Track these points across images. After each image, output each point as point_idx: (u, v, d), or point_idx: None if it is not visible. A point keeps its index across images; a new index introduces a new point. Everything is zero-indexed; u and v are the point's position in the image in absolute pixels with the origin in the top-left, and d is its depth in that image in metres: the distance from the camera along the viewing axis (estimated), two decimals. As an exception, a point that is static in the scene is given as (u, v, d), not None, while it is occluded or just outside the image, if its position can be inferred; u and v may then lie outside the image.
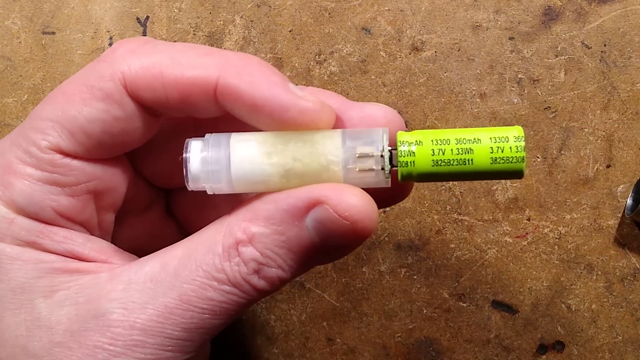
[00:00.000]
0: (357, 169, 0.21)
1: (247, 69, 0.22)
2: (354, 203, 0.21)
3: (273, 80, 0.21)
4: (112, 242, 0.25)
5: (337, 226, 0.21)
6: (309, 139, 0.21)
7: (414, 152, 0.21)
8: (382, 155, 0.21)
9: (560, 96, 0.32)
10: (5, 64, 0.34)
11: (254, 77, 0.21)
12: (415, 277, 0.33)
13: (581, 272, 0.32)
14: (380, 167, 0.21)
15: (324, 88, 0.33)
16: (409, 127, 0.33)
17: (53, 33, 0.34)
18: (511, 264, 0.32)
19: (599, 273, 0.32)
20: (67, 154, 0.22)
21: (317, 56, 0.33)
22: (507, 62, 0.32)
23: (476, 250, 0.32)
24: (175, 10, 0.33)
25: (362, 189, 0.21)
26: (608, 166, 0.32)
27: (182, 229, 0.28)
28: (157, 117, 0.24)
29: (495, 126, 0.31)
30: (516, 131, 0.21)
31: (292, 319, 0.33)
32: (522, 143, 0.21)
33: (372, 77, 0.33)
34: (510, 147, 0.21)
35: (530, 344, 0.32)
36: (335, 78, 0.33)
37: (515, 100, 0.32)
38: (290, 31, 0.33)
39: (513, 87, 0.32)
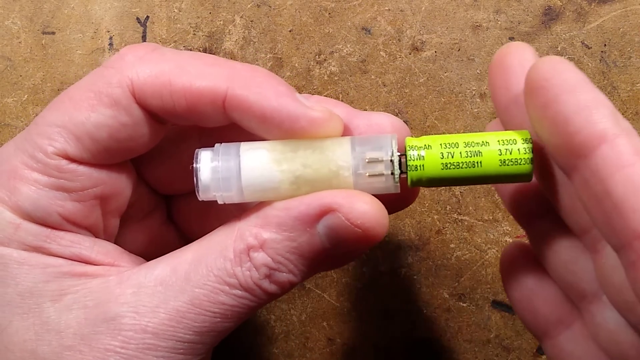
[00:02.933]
0: (367, 174, 0.21)
1: (254, 80, 0.22)
2: (366, 210, 0.21)
3: (281, 91, 0.21)
4: None
5: (349, 233, 0.21)
6: (318, 145, 0.22)
7: (423, 157, 0.21)
8: (391, 160, 0.21)
9: (560, 96, 0.32)
10: (5, 64, 0.34)
11: (262, 88, 0.22)
12: (415, 277, 0.33)
13: (581, 272, 0.32)
14: (390, 172, 0.21)
15: (324, 88, 0.33)
16: (409, 127, 0.33)
17: (53, 33, 0.34)
18: (511, 264, 0.32)
19: (599, 273, 0.32)
20: (73, 160, 0.22)
21: (317, 56, 0.33)
22: (507, 62, 0.32)
23: (476, 250, 0.32)
24: (175, 10, 0.33)
25: (372, 195, 0.21)
26: (608, 166, 0.32)
27: (183, 236, 0.28)
28: (163, 124, 0.24)
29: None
30: (524, 134, 0.21)
31: (292, 319, 0.33)
32: (530, 145, 0.21)
33: (372, 77, 0.33)
34: (519, 149, 0.21)
35: (530, 344, 0.32)
36: (335, 78, 0.33)
37: (515, 100, 0.32)
38: (290, 31, 0.33)
39: (513, 87, 0.32)
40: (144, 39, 0.33)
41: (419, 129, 0.32)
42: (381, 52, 0.33)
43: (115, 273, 0.23)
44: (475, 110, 0.32)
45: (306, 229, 0.21)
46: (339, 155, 0.21)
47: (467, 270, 0.33)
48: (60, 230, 0.23)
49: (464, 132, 0.32)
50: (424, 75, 0.33)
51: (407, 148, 0.21)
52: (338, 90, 0.33)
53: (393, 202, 0.23)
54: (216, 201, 0.22)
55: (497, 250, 0.32)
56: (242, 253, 0.21)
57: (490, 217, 0.32)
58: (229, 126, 0.23)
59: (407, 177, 0.21)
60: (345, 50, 0.33)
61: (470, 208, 0.32)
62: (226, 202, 0.22)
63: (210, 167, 0.22)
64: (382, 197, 0.22)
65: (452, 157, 0.21)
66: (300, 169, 0.21)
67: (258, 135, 0.22)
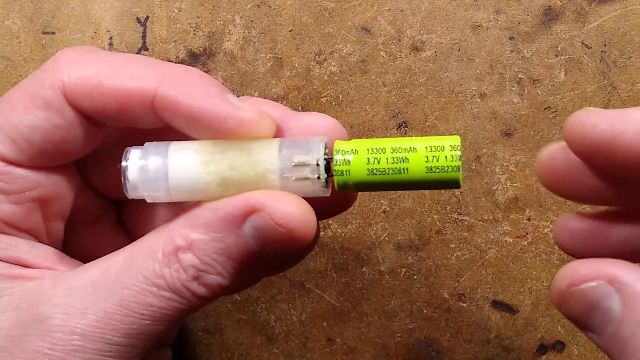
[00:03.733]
0: (293, 178, 0.21)
1: (185, 80, 0.22)
2: (290, 211, 0.21)
3: (210, 92, 0.21)
4: (63, 252, 0.25)
5: (273, 233, 0.21)
6: (247, 147, 0.21)
7: (349, 161, 0.21)
8: (317, 164, 0.21)
9: (560, 96, 0.32)
10: (5, 64, 0.34)
11: (191, 89, 0.21)
12: (415, 277, 0.33)
13: (581, 272, 0.32)
14: (316, 176, 0.21)
15: (324, 88, 0.33)
16: (409, 127, 0.33)
17: (53, 33, 0.34)
18: (511, 264, 0.32)
19: (599, 273, 0.32)
20: (10, 162, 0.22)
21: (317, 56, 0.33)
22: (507, 62, 0.32)
23: (476, 250, 0.32)
24: (175, 10, 0.33)
25: (303, 197, 0.21)
26: (608, 166, 0.32)
27: (133, 240, 0.28)
28: (99, 126, 0.24)
29: (494, 127, 0.31)
30: (453, 140, 0.20)
31: (292, 319, 0.33)
32: (458, 152, 0.20)
33: (372, 77, 0.33)
34: (446, 157, 0.20)
35: (530, 344, 0.32)
36: (335, 78, 0.33)
37: (515, 100, 0.32)
38: (290, 31, 0.33)
39: (513, 87, 0.32)
40: (144, 39, 0.33)
41: (419, 129, 0.32)
42: (381, 52, 0.33)
43: (51, 276, 0.22)
44: (475, 110, 0.32)
45: (233, 229, 0.21)
46: (266, 158, 0.21)
47: (467, 270, 0.33)
48: None
49: (463, 133, 0.32)
50: (424, 75, 0.33)
51: (335, 152, 0.21)
52: (338, 90, 0.33)
53: (327, 207, 0.23)
54: (162, 203, 0.22)
55: (497, 250, 0.32)
56: (171, 254, 0.21)
57: (490, 217, 0.32)
58: (171, 128, 0.23)
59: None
60: (345, 50, 0.33)
61: (470, 208, 0.32)
62: (155, 202, 0.22)
63: (138, 165, 0.22)
64: (315, 202, 0.21)
65: (379, 162, 0.21)
66: (227, 171, 0.21)
67: (191, 137, 0.22)
